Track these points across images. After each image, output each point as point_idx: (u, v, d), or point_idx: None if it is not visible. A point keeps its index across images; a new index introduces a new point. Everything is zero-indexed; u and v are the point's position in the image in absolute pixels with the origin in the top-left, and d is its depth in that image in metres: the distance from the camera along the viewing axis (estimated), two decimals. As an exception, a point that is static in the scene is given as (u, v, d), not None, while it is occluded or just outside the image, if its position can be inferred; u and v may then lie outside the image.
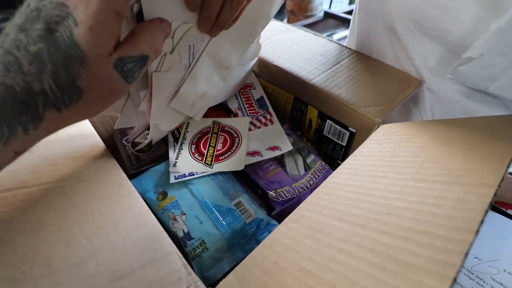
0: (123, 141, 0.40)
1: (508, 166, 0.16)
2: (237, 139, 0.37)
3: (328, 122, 0.38)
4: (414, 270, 0.14)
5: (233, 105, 0.41)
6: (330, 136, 0.39)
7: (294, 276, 0.17)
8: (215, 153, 0.36)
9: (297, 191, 0.35)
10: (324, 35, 1.65)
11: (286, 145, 0.36)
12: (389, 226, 0.17)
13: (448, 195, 0.17)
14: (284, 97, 0.42)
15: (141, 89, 0.30)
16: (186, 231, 0.32)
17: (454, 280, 0.12)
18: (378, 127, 0.31)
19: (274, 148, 0.36)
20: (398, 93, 0.36)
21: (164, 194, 0.35)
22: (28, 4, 0.17)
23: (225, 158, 0.35)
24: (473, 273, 0.29)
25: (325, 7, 2.20)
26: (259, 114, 0.40)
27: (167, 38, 0.22)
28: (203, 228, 0.32)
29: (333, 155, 0.40)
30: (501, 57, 0.29)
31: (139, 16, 0.24)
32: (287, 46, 0.44)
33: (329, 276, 0.16)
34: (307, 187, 0.35)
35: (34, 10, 0.16)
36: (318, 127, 0.40)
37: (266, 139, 0.38)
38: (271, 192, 0.35)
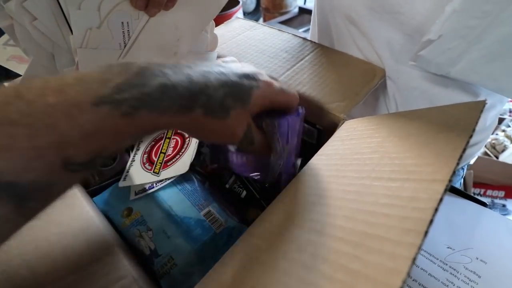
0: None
1: (459, 158, 0.16)
2: (188, 139, 0.35)
3: (296, 120, 0.37)
4: (363, 281, 0.13)
5: None
6: (300, 135, 0.38)
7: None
8: (164, 159, 0.34)
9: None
10: (300, 30, 1.65)
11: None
12: (343, 230, 0.16)
13: (401, 194, 0.16)
14: (252, 98, 0.41)
15: (66, 65, 0.27)
16: (153, 248, 0.30)
17: (401, 289, 0.12)
18: (343, 123, 0.30)
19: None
20: (363, 85, 0.35)
21: (129, 210, 0.33)
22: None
23: (172, 162, 0.33)
24: (446, 264, 0.29)
25: (300, 3, 2.21)
26: None
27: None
28: (171, 243, 0.31)
29: (306, 154, 0.39)
30: (459, 40, 0.29)
31: None
32: (251, 44, 0.43)
33: (280, 291, 0.15)
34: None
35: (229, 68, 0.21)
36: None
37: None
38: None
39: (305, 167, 0.26)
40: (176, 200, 0.33)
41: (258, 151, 0.24)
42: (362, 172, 0.20)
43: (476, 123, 0.17)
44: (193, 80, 0.18)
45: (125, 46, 0.28)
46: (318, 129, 0.35)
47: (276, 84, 0.23)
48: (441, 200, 0.14)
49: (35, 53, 0.25)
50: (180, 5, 0.29)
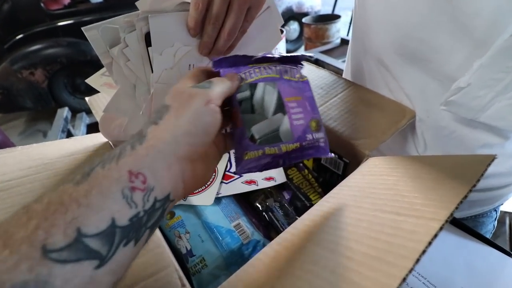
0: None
1: (459, 204, 0.19)
2: (214, 174, 0.40)
3: (325, 151, 0.41)
4: (361, 291, 0.16)
5: None
6: (327, 165, 0.42)
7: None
8: None
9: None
10: (340, 60, 1.69)
11: (281, 177, 0.39)
12: (352, 251, 0.19)
13: (404, 227, 0.19)
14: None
15: (143, 95, 0.35)
16: (189, 248, 0.35)
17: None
18: (367, 159, 0.34)
19: (269, 179, 0.39)
20: (391, 125, 0.38)
21: (172, 214, 0.39)
22: None
23: (197, 192, 0.39)
24: (462, 308, 0.29)
25: (343, 34, 2.27)
26: None
27: (232, 82, 0.26)
28: (204, 246, 0.35)
29: (331, 182, 0.43)
30: (487, 89, 0.31)
31: (147, 38, 0.30)
32: (291, 80, 0.48)
33: (294, 291, 0.19)
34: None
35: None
36: (317, 158, 0.43)
37: None
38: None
39: (328, 194, 0.30)
40: (211, 210, 0.39)
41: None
42: (375, 205, 0.23)
43: (482, 175, 0.20)
44: None
45: None
46: (344, 161, 0.38)
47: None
48: (435, 235, 0.17)
49: (122, 82, 0.33)
50: (236, 50, 0.36)
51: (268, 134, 0.26)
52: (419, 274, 0.33)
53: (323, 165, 0.42)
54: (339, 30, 2.24)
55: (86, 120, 1.88)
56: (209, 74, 0.26)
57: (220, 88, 0.23)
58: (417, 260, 0.16)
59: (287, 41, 2.81)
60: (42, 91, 2.24)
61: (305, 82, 0.30)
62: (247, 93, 0.27)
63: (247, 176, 0.40)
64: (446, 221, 0.18)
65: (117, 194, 0.16)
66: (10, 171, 0.34)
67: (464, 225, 0.37)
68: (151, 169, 0.18)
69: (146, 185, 0.18)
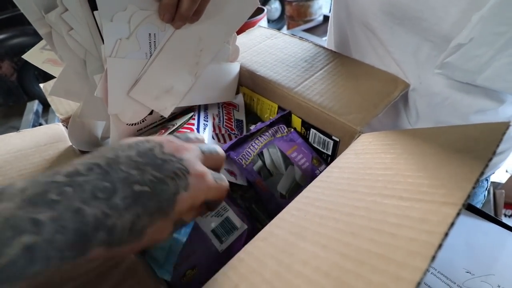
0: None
1: (476, 182, 0.15)
2: (172, 126, 0.36)
3: (312, 131, 0.37)
4: (364, 300, 0.13)
5: (212, 111, 0.41)
6: (315, 145, 0.38)
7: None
8: None
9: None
10: (324, 38, 1.65)
11: (241, 178, 0.35)
12: (349, 247, 0.16)
13: (411, 214, 0.16)
14: (269, 106, 0.41)
15: (96, 72, 0.29)
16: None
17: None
18: (359, 136, 0.30)
19: (231, 173, 0.35)
20: (383, 97, 0.34)
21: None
22: (151, 149, 0.19)
23: None
24: (464, 289, 0.27)
25: (325, 11, 2.20)
26: (232, 132, 0.40)
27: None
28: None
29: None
30: (487, 47, 0.28)
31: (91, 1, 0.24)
32: (271, 53, 0.43)
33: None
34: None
35: (159, 159, 0.18)
36: (303, 135, 0.39)
37: (229, 160, 0.36)
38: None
39: (317, 178, 0.26)
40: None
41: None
42: (373, 188, 0.20)
43: (497, 145, 0.16)
44: (84, 215, 0.15)
45: (150, 56, 0.30)
46: (334, 140, 0.35)
47: (208, 176, 0.20)
48: (452, 224, 0.14)
49: (69, 59, 0.27)
50: (205, 18, 0.30)
51: (290, 186, 0.34)
52: (418, 256, 0.30)
53: (311, 145, 0.38)
54: (322, 6, 2.17)
55: (59, 112, 1.74)
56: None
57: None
58: (433, 258, 0.13)
59: (268, 21, 2.69)
60: (12, 84, 2.07)
61: (292, 132, 0.38)
62: (260, 163, 0.34)
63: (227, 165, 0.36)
64: (463, 205, 0.14)
65: None
66: None
67: (468, 204, 0.35)
68: None
69: None
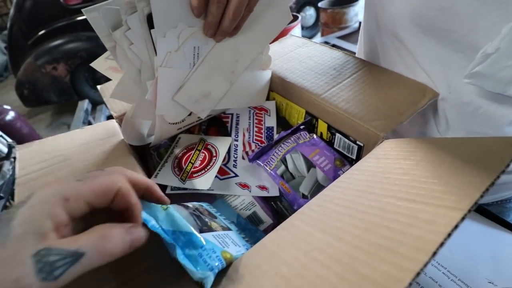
0: (151, 150, 0.45)
1: (484, 192, 0.17)
2: (214, 158, 0.38)
3: (338, 136, 0.39)
4: (370, 283, 0.15)
5: (243, 125, 0.44)
6: (340, 149, 0.40)
7: (271, 279, 0.19)
8: (191, 169, 0.37)
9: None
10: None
11: (275, 190, 0.38)
12: (361, 240, 0.18)
13: (420, 216, 0.17)
14: (297, 111, 0.44)
15: (148, 79, 0.34)
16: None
17: (400, 295, 0.13)
18: (382, 141, 0.31)
19: (263, 188, 0.38)
20: (409, 106, 0.35)
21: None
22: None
23: (198, 176, 0.36)
24: (484, 299, 0.27)
25: (361, 18, 2.15)
26: (262, 145, 0.42)
27: (135, 244, 0.19)
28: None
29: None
30: None
31: (149, 19, 0.29)
32: (302, 61, 0.46)
33: (298, 281, 0.18)
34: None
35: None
36: (329, 140, 0.41)
37: (259, 176, 0.39)
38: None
39: (338, 179, 0.28)
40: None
41: None
42: (389, 191, 0.21)
43: (508, 164, 0.17)
44: None
45: (193, 66, 0.34)
46: (358, 145, 0.36)
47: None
48: (456, 226, 0.15)
49: (127, 68, 0.32)
50: (242, 32, 0.34)
51: (312, 187, 0.36)
52: (439, 264, 0.31)
53: (336, 149, 0.40)
54: (358, 13, 2.11)
55: (106, 112, 1.94)
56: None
57: (79, 271, 0.17)
58: (434, 253, 0.15)
59: (302, 28, 2.69)
60: (65, 85, 2.31)
61: (315, 138, 0.40)
62: (283, 168, 0.37)
63: (242, 179, 0.39)
64: (469, 210, 0.16)
65: None
66: (27, 165, 0.35)
67: (488, 212, 0.34)
68: None
69: None
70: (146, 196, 0.23)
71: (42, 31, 2.19)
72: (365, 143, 0.35)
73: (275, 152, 0.39)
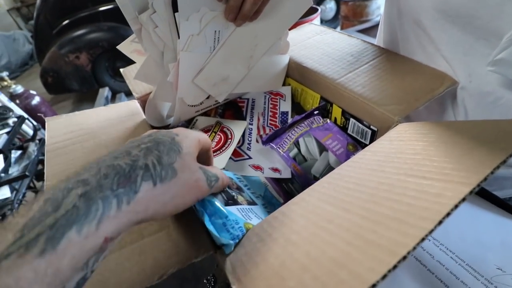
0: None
1: (495, 168, 0.17)
2: (229, 140, 0.40)
3: (352, 120, 0.39)
4: (375, 247, 0.16)
5: (258, 109, 0.45)
6: (354, 135, 0.40)
7: (280, 245, 0.20)
8: None
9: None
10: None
11: (287, 172, 0.38)
12: (369, 212, 0.19)
13: (429, 190, 0.18)
14: (312, 96, 0.44)
15: (170, 61, 0.35)
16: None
17: (404, 258, 0.14)
18: (396, 125, 0.31)
19: (275, 170, 0.39)
20: (426, 92, 0.35)
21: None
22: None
23: (214, 156, 0.38)
24: (492, 284, 0.28)
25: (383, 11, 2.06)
26: (276, 129, 0.43)
27: (227, 183, 0.28)
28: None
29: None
30: None
31: (174, 2, 0.30)
32: (319, 48, 0.46)
33: (307, 246, 0.19)
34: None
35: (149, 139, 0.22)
36: (343, 126, 0.41)
37: (272, 158, 0.40)
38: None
39: (350, 159, 0.29)
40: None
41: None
42: (400, 169, 0.22)
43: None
44: (118, 165, 0.18)
45: (214, 49, 0.35)
46: (372, 130, 0.36)
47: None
48: (463, 199, 0.16)
49: (151, 50, 0.34)
50: (262, 17, 0.34)
51: (324, 170, 0.37)
52: (447, 249, 0.31)
53: (350, 134, 0.40)
54: (380, 7, 2.03)
55: (125, 100, 1.99)
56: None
57: (215, 189, 0.25)
58: (440, 222, 0.15)
59: (322, 21, 2.62)
60: (86, 74, 2.38)
61: (328, 123, 0.41)
62: (295, 150, 0.38)
63: (255, 161, 0.40)
64: (478, 185, 0.16)
65: (81, 265, 0.15)
66: (56, 135, 0.38)
67: (501, 201, 0.34)
68: (125, 231, 0.18)
69: (108, 246, 0.17)
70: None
71: (66, 21, 2.25)
72: (379, 128, 0.35)
73: (288, 135, 0.40)
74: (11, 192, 1.14)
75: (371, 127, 0.36)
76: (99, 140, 0.36)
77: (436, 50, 0.38)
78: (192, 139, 0.23)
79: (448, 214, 0.15)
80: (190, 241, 0.26)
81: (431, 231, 0.15)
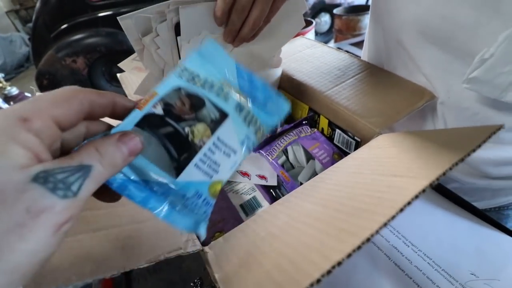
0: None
1: (453, 165, 0.19)
2: None
3: (338, 131, 0.41)
4: (345, 234, 0.17)
5: None
6: (339, 145, 0.42)
7: (261, 237, 0.22)
8: None
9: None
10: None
11: (273, 179, 0.40)
12: (344, 205, 0.20)
13: (396, 185, 0.20)
14: (301, 107, 0.47)
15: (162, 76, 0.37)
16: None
17: (367, 240, 0.16)
18: (377, 136, 0.34)
19: (262, 177, 0.40)
20: (407, 106, 0.37)
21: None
22: None
23: None
24: (465, 288, 0.29)
25: (373, 25, 2.17)
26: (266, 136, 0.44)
27: (134, 153, 0.17)
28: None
29: (343, 162, 0.43)
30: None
31: (176, 27, 0.32)
32: (309, 61, 0.49)
33: (285, 237, 0.20)
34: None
35: None
36: (329, 136, 0.43)
37: (260, 165, 0.42)
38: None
39: (334, 165, 0.30)
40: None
41: None
42: (375, 170, 0.24)
43: (478, 145, 0.20)
44: None
45: None
46: (356, 140, 0.38)
47: None
48: (423, 191, 0.18)
49: (152, 68, 0.36)
50: (258, 37, 0.37)
51: (310, 177, 0.37)
52: (425, 255, 0.32)
53: (336, 145, 0.42)
54: None
55: (120, 105, 1.98)
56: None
57: (95, 185, 0.15)
58: (401, 210, 0.17)
59: (316, 33, 2.74)
60: (83, 78, 2.37)
61: (316, 132, 0.43)
62: (284, 158, 0.40)
63: (243, 167, 0.41)
64: (437, 179, 0.18)
65: None
66: None
67: (475, 209, 0.36)
68: None
69: None
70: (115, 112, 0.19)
71: (65, 25, 2.27)
72: (362, 139, 0.37)
73: (277, 143, 0.42)
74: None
75: (355, 137, 0.38)
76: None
77: (417, 67, 0.41)
78: (5, 132, 0.13)
79: (409, 203, 0.17)
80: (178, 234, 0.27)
81: (393, 217, 0.17)
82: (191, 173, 0.20)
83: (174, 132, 0.20)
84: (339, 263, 0.15)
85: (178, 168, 0.19)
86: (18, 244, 0.12)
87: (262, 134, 0.23)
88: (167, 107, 0.20)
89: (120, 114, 0.19)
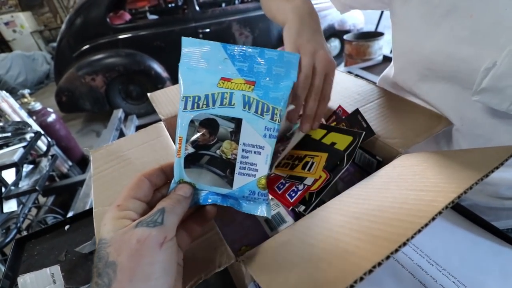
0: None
1: (479, 180, 0.21)
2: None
3: (359, 151, 0.43)
4: (381, 239, 0.19)
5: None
6: (360, 165, 0.44)
7: (297, 246, 0.24)
8: None
9: None
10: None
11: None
12: (376, 217, 0.22)
13: (425, 198, 0.22)
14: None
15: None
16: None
17: (404, 244, 0.17)
18: (399, 155, 0.36)
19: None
20: (426, 130, 0.39)
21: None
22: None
23: None
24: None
25: (385, 51, 2.24)
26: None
27: (187, 199, 0.24)
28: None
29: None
30: None
31: None
32: (329, 86, 0.52)
33: (322, 244, 0.22)
34: None
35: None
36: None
37: None
38: None
39: (360, 182, 0.32)
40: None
41: None
42: (401, 186, 0.26)
43: (501, 163, 0.22)
44: None
45: None
46: (377, 160, 0.40)
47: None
48: (452, 202, 0.19)
49: None
50: None
51: (332, 195, 0.33)
52: (450, 274, 0.33)
53: (357, 164, 0.44)
54: (382, 47, 2.21)
55: (136, 122, 2.07)
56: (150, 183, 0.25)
57: (174, 216, 0.22)
58: (433, 218, 0.19)
59: None
60: (100, 95, 2.52)
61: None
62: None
63: None
64: (465, 192, 0.20)
65: None
66: (99, 164, 0.42)
67: (500, 232, 0.36)
68: None
69: None
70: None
71: (87, 46, 2.45)
72: (384, 158, 0.39)
73: None
74: (18, 206, 1.16)
75: (377, 157, 0.40)
76: (134, 165, 0.40)
77: (429, 106, 0.44)
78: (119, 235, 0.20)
79: (440, 212, 0.19)
80: (212, 251, 0.27)
81: (426, 225, 0.18)
82: (239, 180, 0.25)
83: (210, 158, 0.25)
84: (379, 264, 0.17)
85: (229, 181, 0.25)
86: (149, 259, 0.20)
87: (279, 116, 0.24)
88: (194, 143, 0.25)
89: (170, 170, 0.26)
